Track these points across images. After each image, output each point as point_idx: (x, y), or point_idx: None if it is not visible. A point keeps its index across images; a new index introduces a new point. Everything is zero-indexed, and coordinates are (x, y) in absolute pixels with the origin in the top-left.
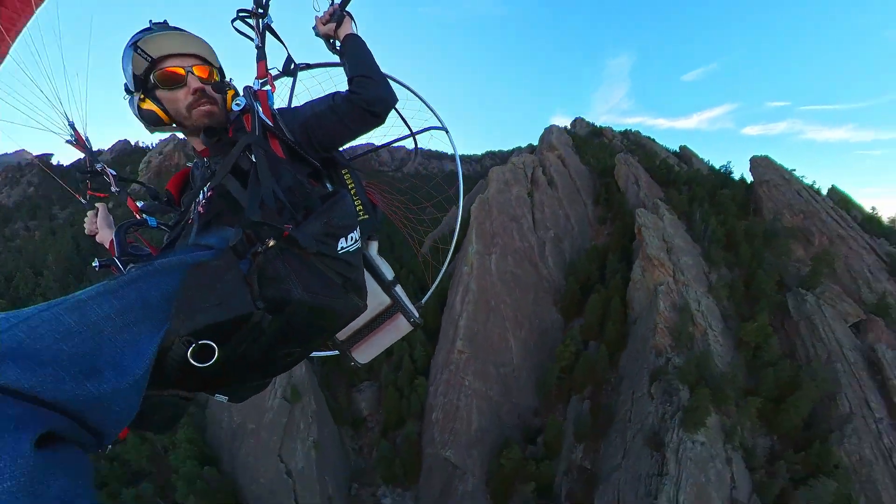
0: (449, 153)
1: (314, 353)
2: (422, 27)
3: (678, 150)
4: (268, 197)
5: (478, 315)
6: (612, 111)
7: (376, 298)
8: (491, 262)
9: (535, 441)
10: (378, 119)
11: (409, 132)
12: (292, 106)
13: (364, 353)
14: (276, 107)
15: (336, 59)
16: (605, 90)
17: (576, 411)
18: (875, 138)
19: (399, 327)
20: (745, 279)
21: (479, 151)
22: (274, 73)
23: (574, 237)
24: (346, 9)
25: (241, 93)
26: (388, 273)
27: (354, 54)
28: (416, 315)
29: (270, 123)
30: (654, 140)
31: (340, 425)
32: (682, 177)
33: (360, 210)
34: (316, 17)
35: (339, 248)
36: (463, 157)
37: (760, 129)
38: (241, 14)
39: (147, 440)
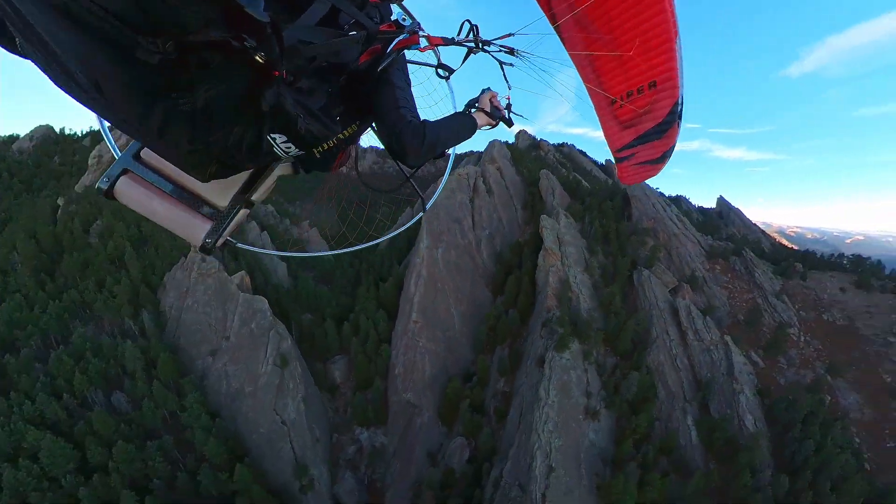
0: None
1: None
2: None
3: (604, 162)
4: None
5: (427, 294)
6: (559, 121)
7: (224, 193)
8: (438, 254)
9: (471, 378)
10: (393, 154)
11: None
12: (408, 80)
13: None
14: (406, 60)
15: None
16: (552, 101)
17: (498, 356)
18: (760, 158)
19: (189, 225)
20: (612, 262)
21: None
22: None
23: (504, 235)
24: (509, 116)
25: (418, 29)
26: (257, 195)
27: (457, 128)
28: (207, 239)
29: (393, 54)
30: (585, 153)
31: (319, 390)
32: (585, 190)
33: (322, 149)
34: (491, 93)
35: (297, 130)
36: None
37: (679, 146)
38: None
39: (160, 406)
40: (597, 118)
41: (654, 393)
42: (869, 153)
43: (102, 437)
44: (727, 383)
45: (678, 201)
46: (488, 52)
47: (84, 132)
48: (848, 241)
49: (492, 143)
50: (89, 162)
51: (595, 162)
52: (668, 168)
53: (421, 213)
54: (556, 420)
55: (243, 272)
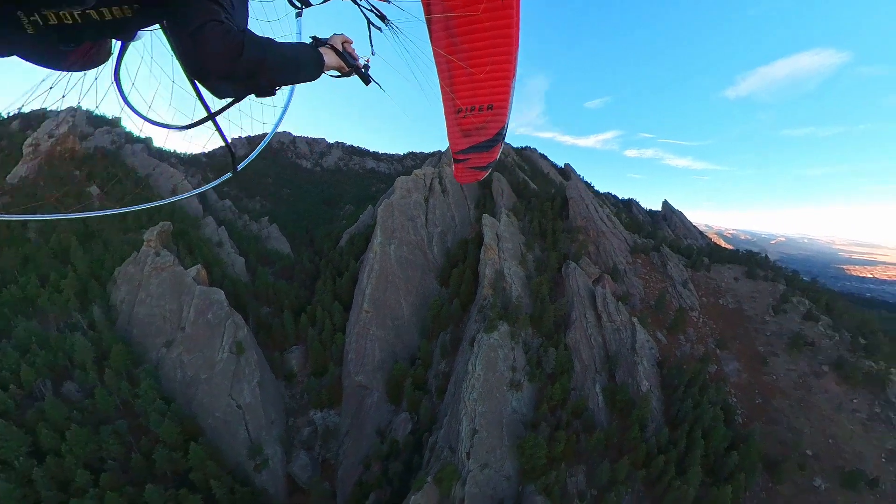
0: (370, 150)
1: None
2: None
3: (563, 166)
4: None
5: (379, 286)
6: (529, 125)
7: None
8: (391, 250)
9: (416, 361)
10: (185, 60)
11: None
12: None
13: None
14: None
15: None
16: (524, 106)
17: (441, 340)
18: (705, 168)
19: None
20: (546, 256)
21: (403, 151)
22: None
23: (456, 232)
24: (367, 74)
25: None
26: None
27: (294, 57)
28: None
29: None
30: (545, 157)
31: (276, 379)
32: (531, 192)
33: (60, 17)
34: (345, 37)
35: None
36: (385, 157)
37: (636, 153)
38: None
39: (113, 394)
40: (562, 123)
41: (571, 366)
42: (792, 168)
43: (55, 423)
44: (630, 356)
45: (629, 204)
46: (359, 4)
47: (10, 113)
48: (773, 241)
49: None
50: (24, 151)
51: (554, 165)
52: (626, 172)
53: (229, 174)
54: (480, 390)
55: (199, 266)
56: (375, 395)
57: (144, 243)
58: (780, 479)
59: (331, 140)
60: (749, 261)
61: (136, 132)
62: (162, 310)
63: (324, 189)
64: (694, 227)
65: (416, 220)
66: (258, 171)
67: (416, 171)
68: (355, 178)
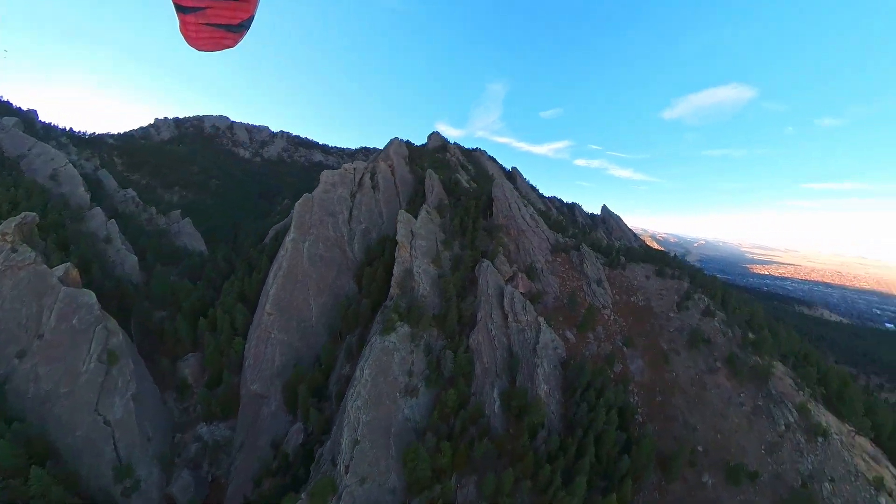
0: (319, 143)
1: None
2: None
3: (510, 169)
4: None
5: (286, 286)
6: (487, 129)
7: None
8: (304, 247)
9: (319, 366)
10: None
11: None
12: None
13: None
14: None
15: None
16: (483, 110)
17: (347, 343)
18: (643, 179)
19: None
20: (464, 254)
21: (354, 146)
22: None
23: (381, 229)
24: None
25: None
26: None
27: None
28: None
29: None
30: (494, 159)
31: (165, 391)
32: (461, 190)
33: None
34: None
35: None
36: (335, 151)
37: (585, 162)
38: None
39: None
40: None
41: (472, 369)
42: (711, 182)
43: None
44: (531, 358)
45: (573, 207)
46: None
47: None
48: (696, 244)
49: (390, 142)
50: None
51: (503, 168)
52: (575, 180)
53: None
54: (366, 397)
55: (68, 264)
56: (273, 404)
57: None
58: (671, 478)
59: (275, 129)
60: (660, 260)
61: (15, 103)
62: (17, 314)
63: (261, 181)
64: (629, 229)
65: (337, 215)
66: (180, 158)
67: (345, 165)
68: (299, 171)
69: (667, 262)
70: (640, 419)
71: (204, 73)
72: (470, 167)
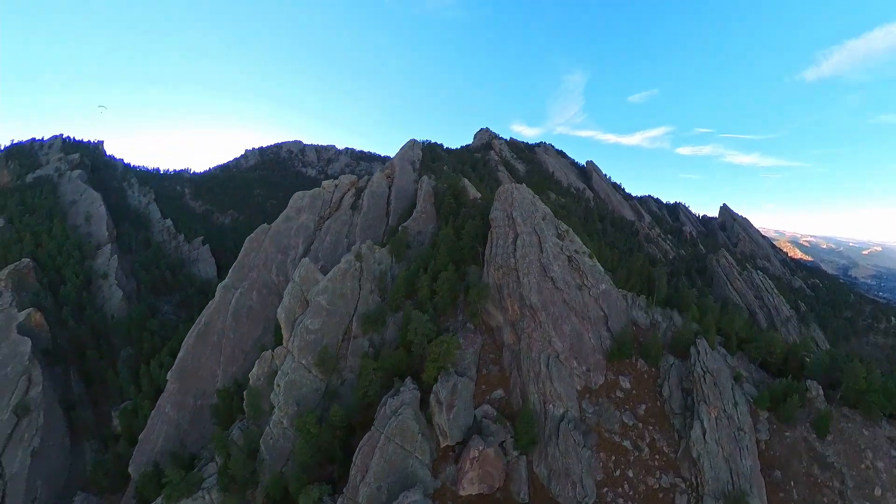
0: (380, 154)
1: None
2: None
3: (584, 164)
4: None
5: (197, 349)
6: (567, 123)
7: None
8: (234, 296)
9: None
10: None
11: None
12: None
13: None
14: None
15: None
16: (561, 104)
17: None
18: (775, 164)
19: None
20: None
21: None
22: None
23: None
24: None
25: None
26: None
27: None
28: None
29: None
30: (564, 154)
31: (88, 440)
32: (465, 202)
33: None
34: None
35: None
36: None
37: (691, 150)
38: None
39: None
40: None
41: None
42: (885, 162)
43: None
44: None
45: (676, 209)
46: None
47: None
48: (865, 252)
49: (408, 143)
50: None
51: (575, 163)
52: (679, 173)
53: None
54: None
55: (31, 309)
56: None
57: None
58: None
59: (340, 147)
60: None
61: (109, 152)
62: None
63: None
64: (763, 237)
65: (288, 252)
66: (244, 182)
67: (324, 183)
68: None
69: None
70: None
71: (319, 104)
72: (518, 167)
